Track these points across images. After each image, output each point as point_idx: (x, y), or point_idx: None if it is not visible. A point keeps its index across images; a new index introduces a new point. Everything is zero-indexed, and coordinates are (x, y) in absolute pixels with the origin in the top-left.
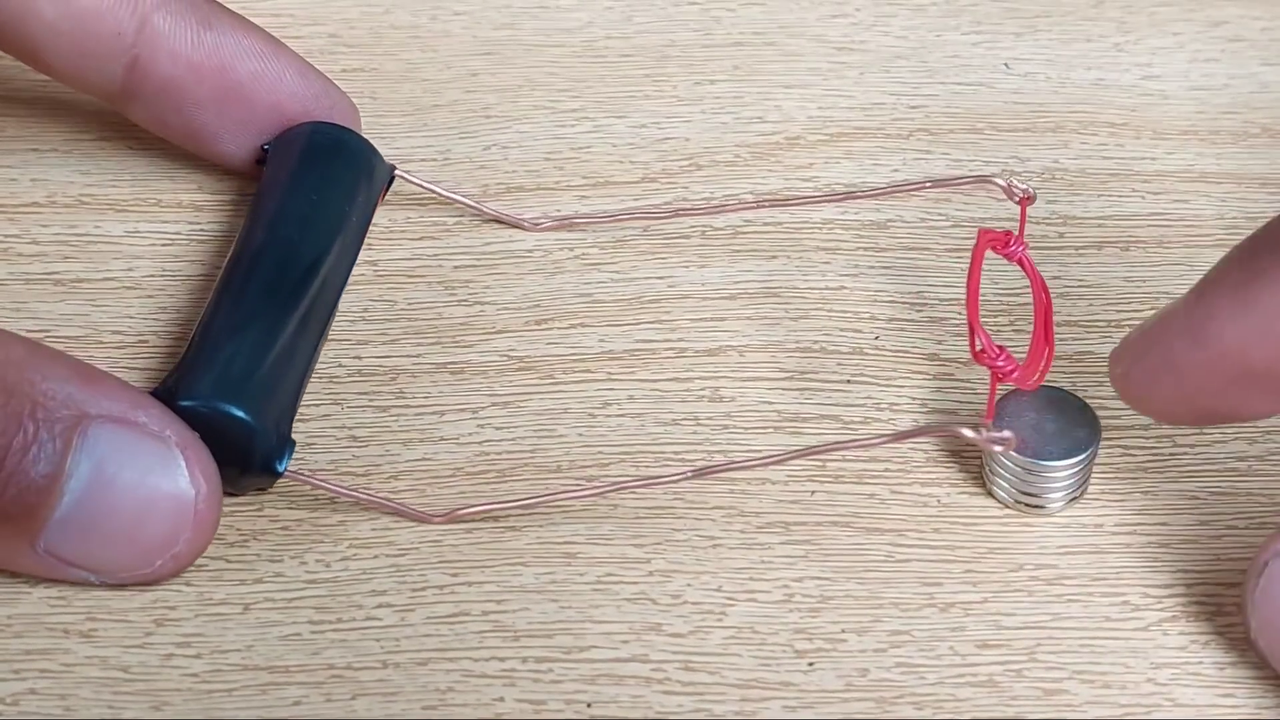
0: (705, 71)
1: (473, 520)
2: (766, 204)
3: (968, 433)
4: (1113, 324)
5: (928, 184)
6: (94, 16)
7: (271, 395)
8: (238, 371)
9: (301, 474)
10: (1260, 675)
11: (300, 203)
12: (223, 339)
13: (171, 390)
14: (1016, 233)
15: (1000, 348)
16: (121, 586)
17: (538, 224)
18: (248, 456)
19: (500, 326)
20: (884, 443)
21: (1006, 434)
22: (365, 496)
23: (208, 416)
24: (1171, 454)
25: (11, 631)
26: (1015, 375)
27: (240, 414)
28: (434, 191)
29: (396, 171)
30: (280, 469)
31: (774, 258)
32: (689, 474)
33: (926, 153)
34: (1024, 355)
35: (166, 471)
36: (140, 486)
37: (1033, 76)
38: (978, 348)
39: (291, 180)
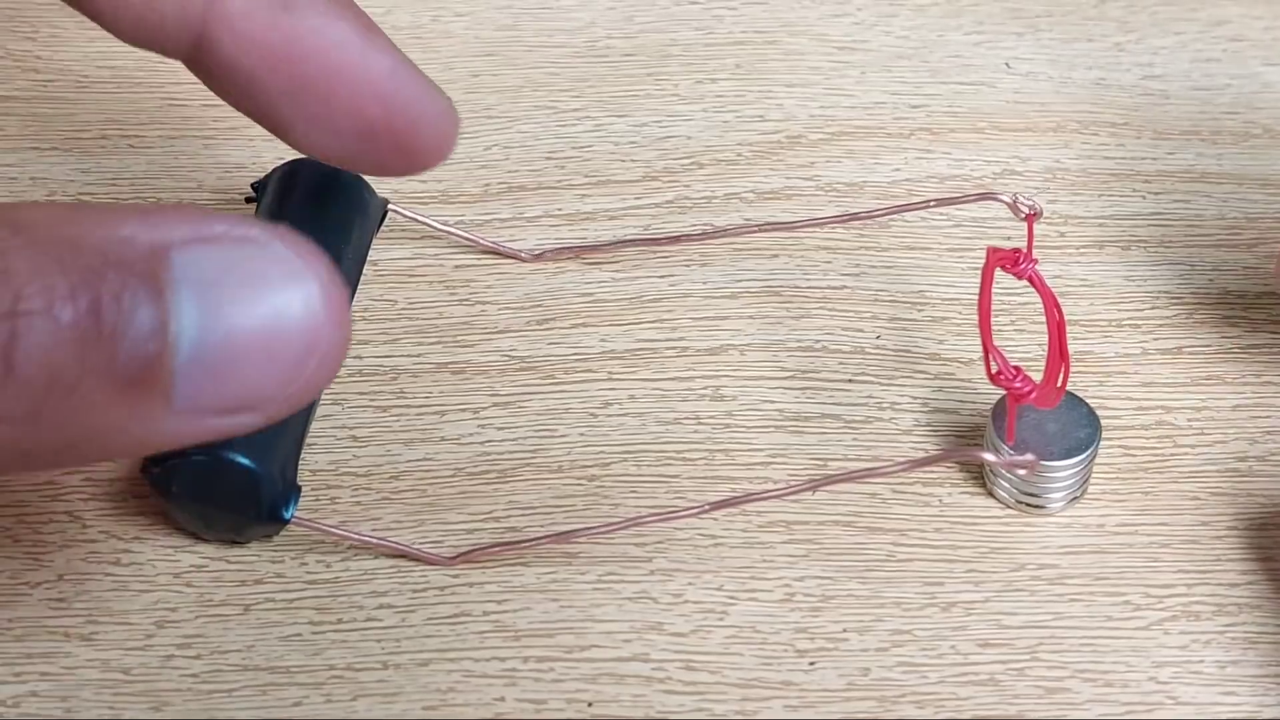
0: (707, 70)
1: (485, 561)
2: (769, 228)
3: (989, 457)
4: (1113, 324)
5: (931, 203)
6: None
7: (276, 442)
8: None
9: (308, 521)
10: (1261, 674)
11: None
12: None
13: None
14: (1025, 248)
15: (1017, 368)
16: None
17: (535, 254)
18: (254, 505)
19: (501, 326)
20: (904, 469)
21: (1029, 456)
22: (376, 541)
23: (212, 465)
24: (1172, 454)
25: (12, 634)
26: (1034, 396)
27: (245, 462)
28: (427, 225)
29: (390, 206)
30: (287, 516)
31: (775, 257)
32: (706, 507)
33: (928, 152)
34: (1028, 360)
35: (272, 272)
36: (251, 297)
37: (1034, 76)
38: (994, 369)
39: (286, 219)
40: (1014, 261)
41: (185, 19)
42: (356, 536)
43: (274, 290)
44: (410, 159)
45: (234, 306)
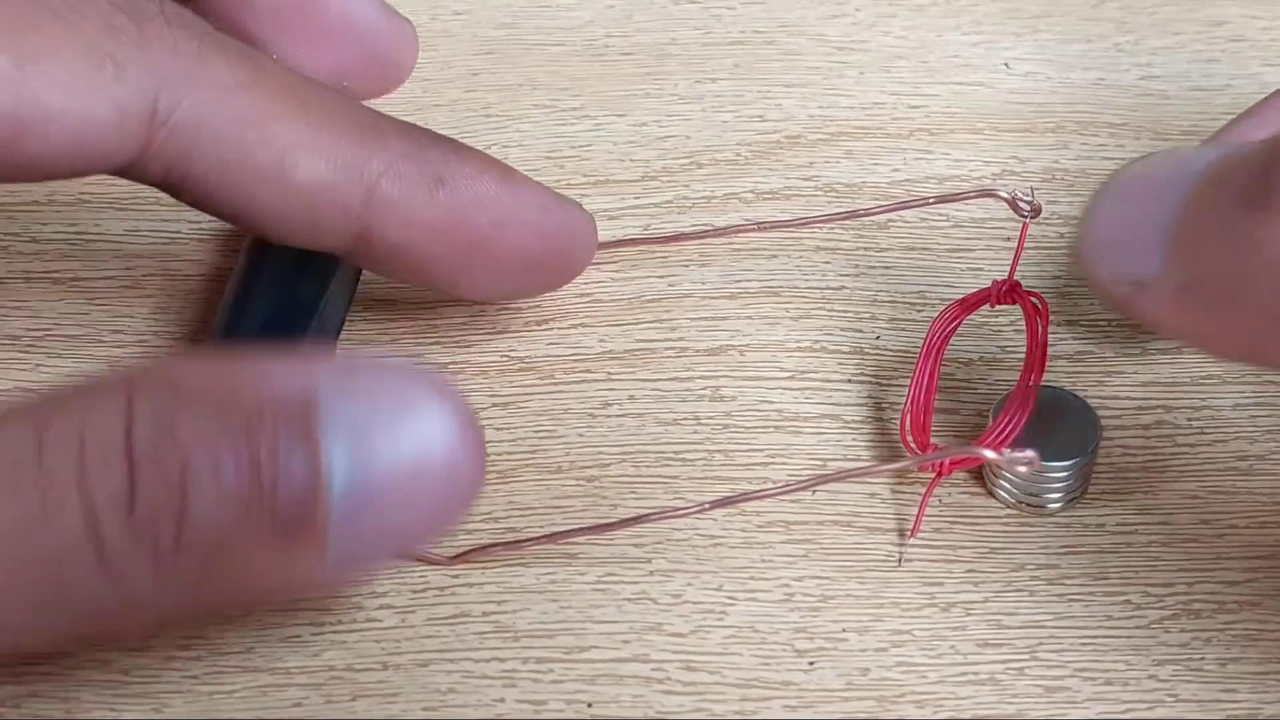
0: (706, 70)
1: (485, 561)
2: (768, 225)
3: (990, 454)
4: (1113, 324)
5: (931, 200)
6: (317, 195)
7: None
8: None
9: None
10: (1262, 671)
11: (284, 268)
12: None
13: None
14: (1015, 252)
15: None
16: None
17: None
18: None
19: (500, 326)
20: (905, 467)
21: (1029, 453)
22: None
23: None
24: (1172, 454)
25: None
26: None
27: None
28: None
29: None
30: None
31: (774, 257)
32: (707, 505)
33: (926, 152)
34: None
35: (419, 415)
36: (400, 441)
37: (1033, 76)
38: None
39: None
40: (990, 299)
41: (348, 222)
42: None
43: (416, 429)
44: (565, 274)
45: (381, 447)
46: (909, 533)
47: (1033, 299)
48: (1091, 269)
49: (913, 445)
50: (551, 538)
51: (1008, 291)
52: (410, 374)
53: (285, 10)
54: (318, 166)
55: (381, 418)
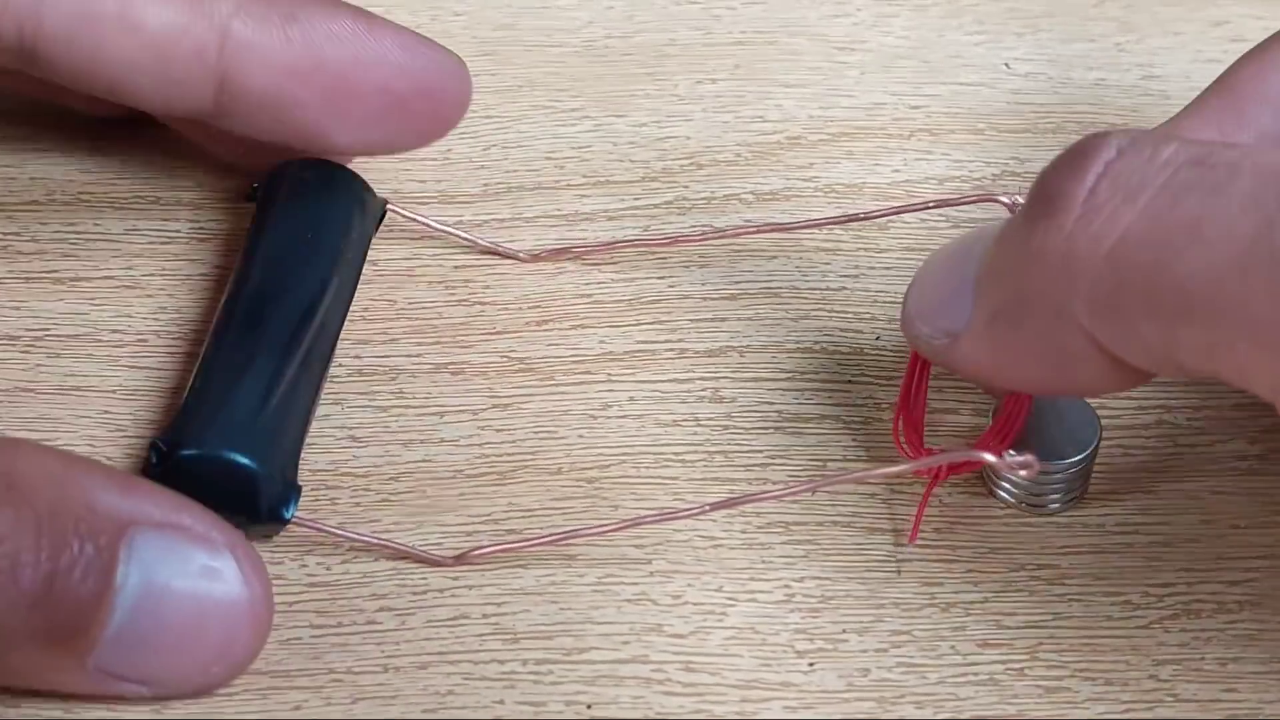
0: (706, 70)
1: (486, 561)
2: (768, 229)
3: (990, 458)
4: None
5: (931, 204)
6: (170, 39)
7: (276, 441)
8: (241, 418)
9: (309, 521)
10: (1263, 671)
11: (295, 243)
12: (223, 385)
13: (175, 439)
14: None
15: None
16: (171, 698)
17: (534, 255)
18: (254, 505)
19: (500, 327)
20: (905, 469)
21: (1029, 457)
22: (378, 542)
23: (213, 465)
24: (1172, 454)
25: None
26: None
27: (246, 462)
28: (427, 225)
29: (389, 206)
30: (287, 516)
31: (774, 258)
32: (706, 507)
33: (927, 153)
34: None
35: (218, 575)
36: (193, 593)
37: (1034, 77)
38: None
39: (285, 220)
40: None
41: (204, 62)
42: (357, 537)
43: (211, 591)
44: (438, 120)
45: (168, 596)
46: (908, 537)
47: None
48: (911, 330)
49: (906, 448)
50: (553, 538)
51: None
52: (216, 524)
53: (321, 99)
54: (165, 11)
55: (180, 556)
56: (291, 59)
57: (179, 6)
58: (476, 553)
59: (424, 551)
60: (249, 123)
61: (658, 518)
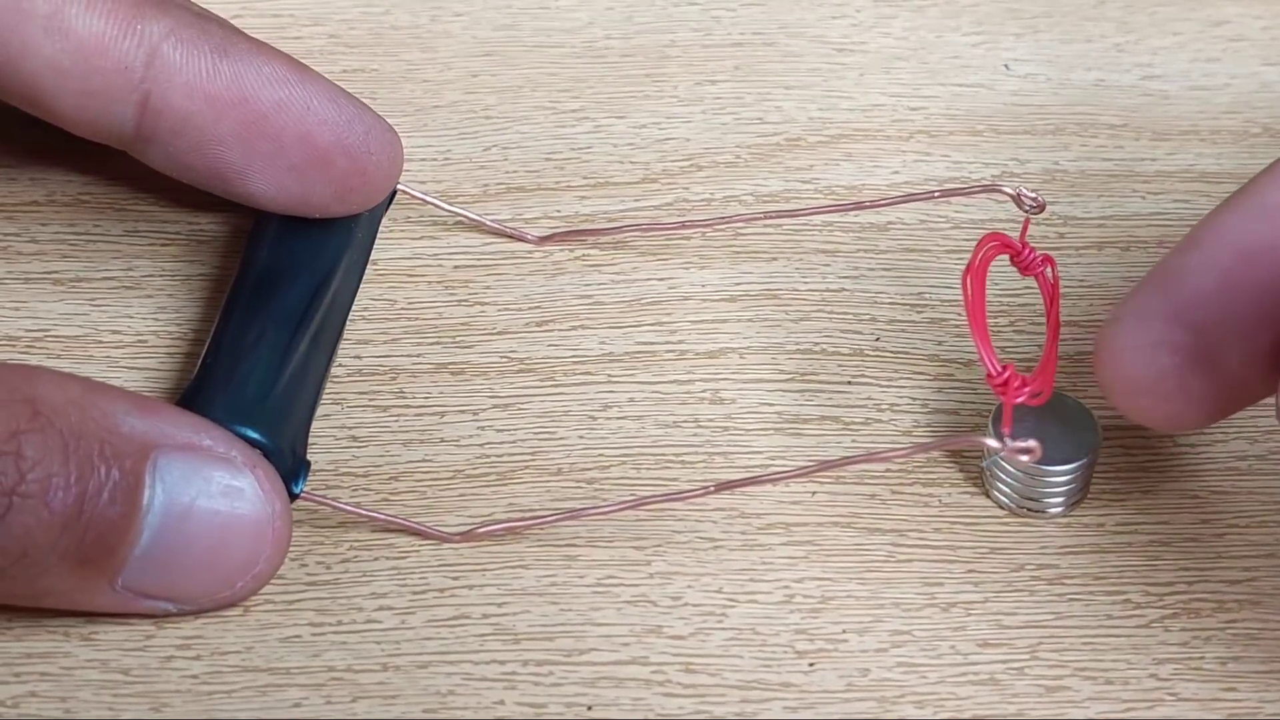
0: (705, 71)
1: (491, 538)
2: (772, 215)
3: (992, 443)
4: None
5: (936, 193)
6: (97, 50)
7: (286, 416)
8: (252, 393)
9: (317, 496)
10: (1263, 669)
11: (306, 220)
12: (235, 361)
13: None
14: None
15: (1005, 365)
16: (199, 612)
17: (543, 239)
18: None
19: (501, 327)
20: (904, 454)
21: (1031, 443)
22: (383, 518)
23: None
24: (1172, 454)
25: (12, 634)
26: (1025, 398)
27: (256, 436)
28: (438, 206)
29: (399, 186)
30: (297, 491)
31: (774, 260)
32: (711, 488)
33: (926, 154)
34: (1029, 361)
35: (240, 494)
36: (216, 511)
37: (1033, 78)
38: (993, 373)
39: None
40: (1018, 253)
41: (128, 78)
42: (364, 513)
43: (234, 509)
44: (362, 184)
45: (193, 516)
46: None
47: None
48: None
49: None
50: (558, 518)
51: (1041, 260)
52: (236, 444)
53: (241, 137)
54: (95, 21)
55: (205, 491)
56: (216, 89)
57: (110, 19)
58: (483, 530)
59: (431, 527)
60: (169, 154)
61: (664, 498)
